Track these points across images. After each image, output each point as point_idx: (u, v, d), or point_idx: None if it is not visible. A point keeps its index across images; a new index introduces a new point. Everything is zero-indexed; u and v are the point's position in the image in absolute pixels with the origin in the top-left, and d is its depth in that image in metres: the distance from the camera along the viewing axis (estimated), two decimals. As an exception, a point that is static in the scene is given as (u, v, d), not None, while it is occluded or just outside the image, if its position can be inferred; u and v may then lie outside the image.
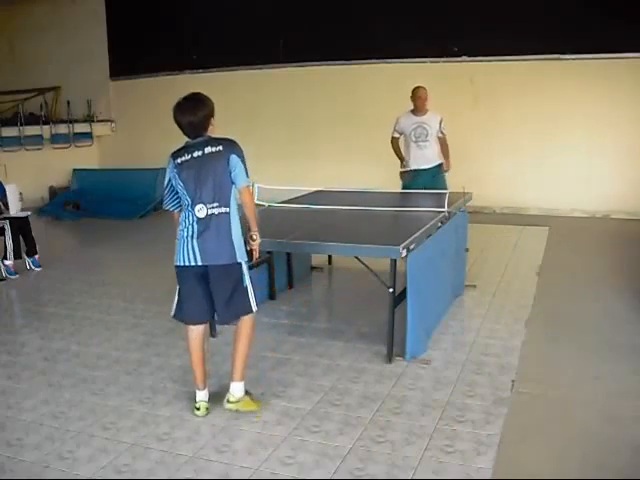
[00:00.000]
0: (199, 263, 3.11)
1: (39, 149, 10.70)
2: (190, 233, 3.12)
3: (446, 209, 4.70)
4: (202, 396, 3.29)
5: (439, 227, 4.57)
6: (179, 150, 3.20)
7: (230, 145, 3.15)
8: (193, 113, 3.11)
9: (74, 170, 11.06)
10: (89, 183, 10.78)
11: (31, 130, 10.68)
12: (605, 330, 4.41)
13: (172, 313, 3.33)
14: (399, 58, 9.43)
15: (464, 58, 9.20)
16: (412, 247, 3.83)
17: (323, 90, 10.06)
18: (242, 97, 10.51)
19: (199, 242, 3.10)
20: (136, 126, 11.52)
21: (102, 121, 11.76)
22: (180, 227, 3.18)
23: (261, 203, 5.23)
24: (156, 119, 11.21)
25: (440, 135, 6.29)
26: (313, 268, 6.03)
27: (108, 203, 9.77)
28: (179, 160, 3.15)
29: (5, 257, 6.06)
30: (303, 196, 5.63)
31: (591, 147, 8.68)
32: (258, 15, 10.16)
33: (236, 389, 3.25)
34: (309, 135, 10.17)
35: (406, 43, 9.24)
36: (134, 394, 3.52)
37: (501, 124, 9.08)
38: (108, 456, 2.89)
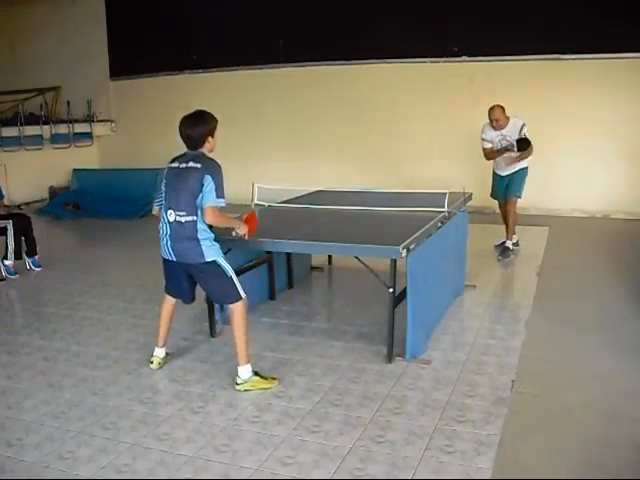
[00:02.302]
0: (174, 260, 3.49)
1: (39, 149, 10.69)
2: (165, 232, 3.46)
3: (446, 209, 4.70)
4: (158, 352, 3.81)
5: (439, 227, 4.57)
6: (176, 157, 3.50)
7: (208, 165, 3.35)
8: (192, 128, 3.38)
9: (74, 170, 11.06)
10: (89, 183, 10.77)
11: (31, 130, 10.66)
12: (605, 330, 4.41)
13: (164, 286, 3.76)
14: (399, 58, 9.43)
15: (464, 58, 9.19)
16: (412, 247, 3.83)
17: (323, 90, 10.05)
18: (242, 97, 10.51)
19: (171, 243, 3.45)
20: (136, 126, 11.51)
21: (102, 121, 11.75)
22: (159, 224, 3.51)
23: (261, 203, 5.23)
24: (156, 119, 11.25)
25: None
26: (313, 268, 6.03)
27: (108, 203, 9.76)
28: (170, 165, 3.49)
29: (5, 257, 6.06)
30: (303, 196, 5.63)
31: (591, 147, 8.68)
32: (258, 15, 10.15)
33: (242, 372, 3.48)
34: (309, 135, 10.17)
35: (406, 43, 9.23)
36: (134, 394, 3.52)
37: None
38: (108, 456, 2.89)
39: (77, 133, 11.34)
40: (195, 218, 3.35)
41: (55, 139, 11.01)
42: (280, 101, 10.33)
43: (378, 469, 2.74)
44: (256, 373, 3.52)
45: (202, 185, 3.29)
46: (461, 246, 5.26)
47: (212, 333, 4.34)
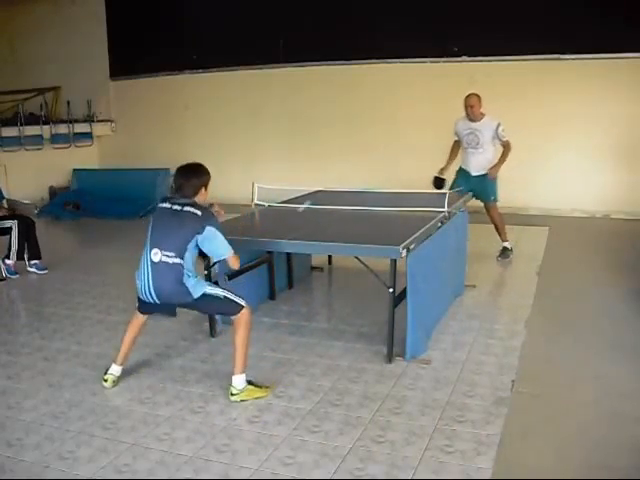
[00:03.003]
0: (157, 301, 3.42)
1: (39, 149, 10.68)
2: (146, 274, 3.40)
3: (446, 209, 4.70)
4: (115, 370, 3.63)
5: (439, 227, 4.57)
6: (166, 198, 3.50)
7: (209, 216, 3.39)
8: (186, 178, 3.43)
9: (74, 170, 11.05)
10: (89, 183, 10.76)
11: (31, 130, 10.65)
12: (605, 330, 4.41)
13: (136, 305, 3.64)
14: (399, 58, 9.43)
15: (464, 58, 9.19)
16: (412, 247, 3.83)
17: (323, 90, 10.05)
18: (242, 97, 10.51)
19: (153, 285, 3.37)
20: (136, 126, 11.51)
21: (102, 121, 11.74)
22: (139, 263, 3.46)
23: (261, 203, 5.24)
24: (156, 119, 11.27)
25: (500, 141, 6.12)
26: (313, 268, 6.03)
27: (108, 203, 9.75)
28: (162, 205, 3.47)
29: (7, 256, 6.06)
30: (303, 196, 5.63)
31: (591, 147, 8.68)
32: (258, 15, 10.14)
33: (236, 381, 3.40)
34: (309, 135, 10.17)
35: (406, 43, 9.23)
36: (134, 394, 3.52)
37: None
38: (108, 456, 2.89)
39: (77, 133, 11.33)
40: (182, 261, 3.31)
41: (55, 139, 11.00)
42: (280, 101, 10.33)
43: (378, 469, 2.74)
44: (250, 382, 3.44)
45: (200, 233, 3.30)
46: (461, 246, 5.26)
47: (212, 333, 4.34)
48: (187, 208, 3.35)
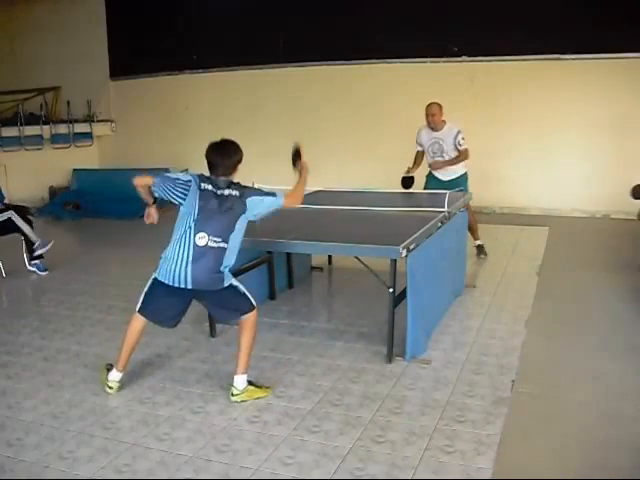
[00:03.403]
0: (189, 287, 3.29)
1: (39, 149, 10.68)
2: (184, 257, 3.27)
3: (446, 209, 4.70)
4: (117, 377, 3.53)
5: (439, 227, 4.57)
6: (206, 177, 3.40)
7: (244, 189, 3.39)
8: (229, 157, 3.39)
9: (74, 170, 11.04)
10: (89, 183, 10.75)
11: (31, 130, 10.65)
12: (605, 330, 4.41)
13: (137, 307, 3.48)
14: (399, 58, 9.43)
15: (464, 58, 9.19)
16: (412, 247, 3.83)
17: (323, 90, 10.05)
18: (242, 97, 10.51)
19: (193, 268, 3.26)
20: (136, 126, 11.51)
21: (102, 121, 11.75)
22: (172, 248, 3.32)
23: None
24: (156, 119, 11.27)
25: (457, 148, 6.09)
26: (313, 268, 6.03)
27: (108, 203, 9.74)
28: (204, 186, 3.35)
29: (32, 252, 6.13)
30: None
31: (591, 147, 8.68)
32: (258, 15, 10.15)
33: (238, 381, 3.39)
34: (309, 135, 10.11)
35: (406, 43, 9.23)
36: (134, 394, 3.52)
37: (501, 124, 9.08)
38: (108, 456, 2.89)
39: (77, 133, 11.33)
40: (227, 245, 3.31)
41: (55, 139, 11.00)
42: (280, 101, 10.33)
43: (378, 469, 2.74)
44: (250, 382, 3.44)
45: (244, 212, 3.33)
46: (461, 246, 5.26)
47: (212, 333, 4.34)
48: (228, 192, 3.33)
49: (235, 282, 3.45)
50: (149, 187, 3.47)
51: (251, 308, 3.42)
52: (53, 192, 10.76)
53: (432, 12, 9.12)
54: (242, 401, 3.37)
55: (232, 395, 3.39)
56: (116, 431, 3.11)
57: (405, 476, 2.70)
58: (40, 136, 10.75)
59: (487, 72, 9.01)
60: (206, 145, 3.46)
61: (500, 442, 2.93)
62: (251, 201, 3.35)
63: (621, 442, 2.97)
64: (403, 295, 3.86)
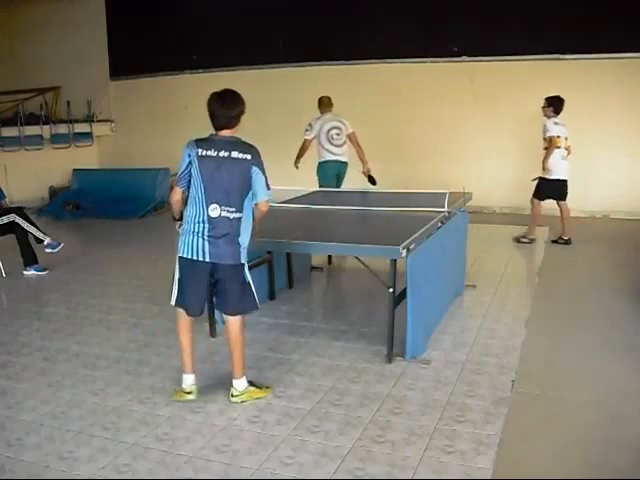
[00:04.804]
0: (207, 260, 3.19)
1: (39, 149, 10.69)
2: (200, 230, 3.17)
3: (446, 209, 4.70)
4: (192, 379, 3.38)
5: (439, 227, 4.57)
6: (203, 140, 3.25)
7: (255, 155, 3.22)
8: (231, 108, 3.29)
9: (74, 170, 11.05)
10: (89, 183, 10.76)
11: (31, 130, 10.66)
12: (605, 330, 4.41)
13: (172, 301, 3.35)
14: (399, 58, 9.43)
15: (464, 58, 9.19)
16: (412, 247, 3.83)
17: (323, 90, 10.01)
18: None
19: (209, 241, 3.16)
20: (136, 126, 11.51)
21: (102, 121, 11.76)
22: (188, 223, 3.22)
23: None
24: (156, 119, 11.26)
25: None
26: (313, 268, 6.03)
27: (108, 203, 9.76)
28: (203, 152, 3.18)
29: (42, 242, 6.23)
30: (303, 196, 5.63)
31: (591, 147, 8.66)
32: (258, 15, 10.15)
33: (238, 384, 3.39)
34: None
35: (406, 43, 9.24)
36: (134, 394, 3.52)
37: (501, 124, 9.08)
38: (108, 456, 2.89)
39: (77, 133, 11.34)
40: (242, 215, 3.19)
41: (55, 139, 11.01)
42: (280, 101, 10.31)
43: (378, 469, 2.74)
44: (251, 383, 3.43)
45: (250, 176, 3.17)
46: (461, 246, 5.26)
47: (212, 333, 4.34)
48: (234, 154, 3.15)
49: (249, 279, 3.36)
50: (180, 191, 3.31)
51: (254, 309, 3.41)
52: (53, 192, 10.76)
53: (432, 12, 9.14)
54: (242, 402, 3.37)
55: (232, 396, 3.38)
56: (116, 431, 3.11)
57: (405, 476, 2.69)
58: (40, 136, 10.76)
59: (487, 72, 9.01)
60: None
61: (500, 442, 2.93)
62: (254, 171, 3.19)
63: (621, 442, 2.97)
64: (403, 295, 3.86)
